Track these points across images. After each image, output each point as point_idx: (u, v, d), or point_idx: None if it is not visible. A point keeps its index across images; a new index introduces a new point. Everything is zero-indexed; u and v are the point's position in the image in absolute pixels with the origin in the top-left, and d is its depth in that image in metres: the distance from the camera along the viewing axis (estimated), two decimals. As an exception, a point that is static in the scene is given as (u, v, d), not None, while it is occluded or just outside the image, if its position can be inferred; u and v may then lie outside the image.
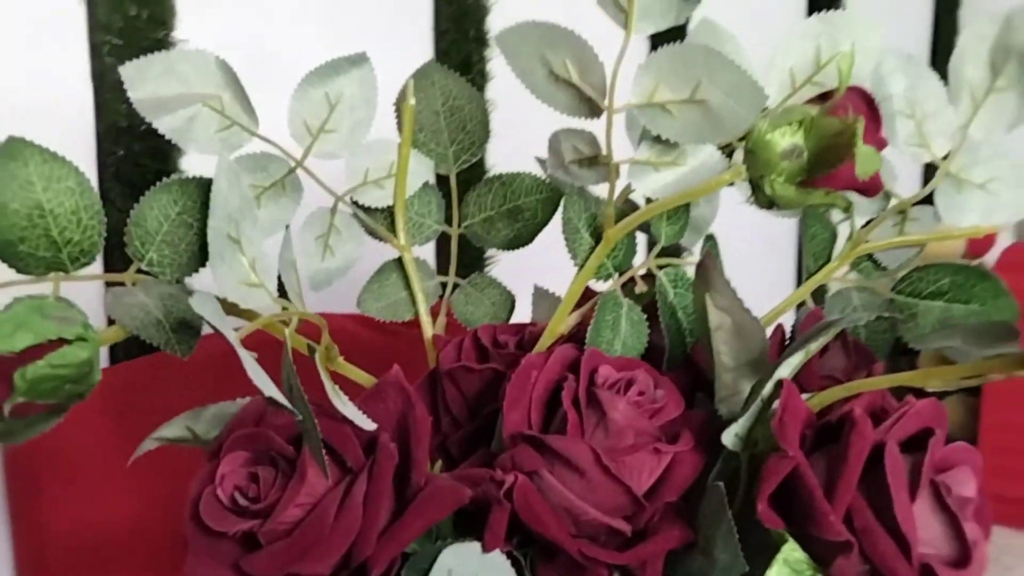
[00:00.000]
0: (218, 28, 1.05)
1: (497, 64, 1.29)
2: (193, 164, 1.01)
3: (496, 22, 1.35)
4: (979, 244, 1.50)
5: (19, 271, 0.48)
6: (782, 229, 1.58)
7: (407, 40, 1.23)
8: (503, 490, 0.50)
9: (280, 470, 0.50)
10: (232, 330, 0.44)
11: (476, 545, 0.52)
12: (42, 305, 0.44)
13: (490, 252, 1.14)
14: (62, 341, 0.43)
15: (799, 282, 1.62)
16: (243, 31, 1.09)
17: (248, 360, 0.43)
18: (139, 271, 0.51)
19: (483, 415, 0.57)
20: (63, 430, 0.48)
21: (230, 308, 0.49)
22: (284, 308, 0.50)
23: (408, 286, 0.63)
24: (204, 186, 0.51)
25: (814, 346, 0.49)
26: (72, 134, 1.05)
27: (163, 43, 1.10)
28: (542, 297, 0.67)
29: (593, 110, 0.53)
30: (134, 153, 1.02)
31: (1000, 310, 0.60)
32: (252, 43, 1.09)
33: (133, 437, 1.06)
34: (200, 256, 0.51)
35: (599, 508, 0.50)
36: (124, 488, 1.04)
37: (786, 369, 0.49)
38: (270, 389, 0.43)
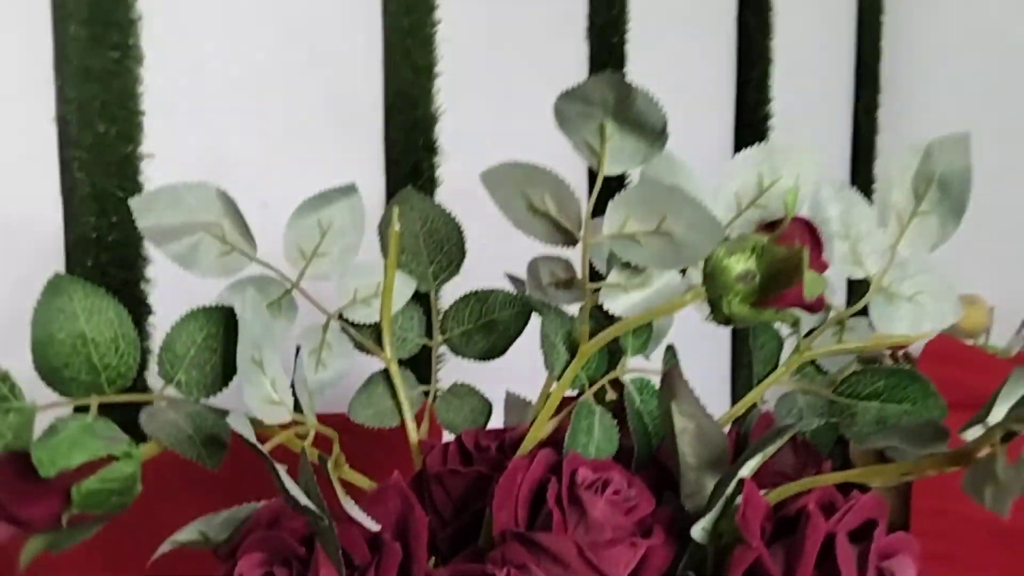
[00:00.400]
0: (182, 143, 1.11)
1: (445, 170, 1.36)
2: (158, 272, 1.06)
3: (445, 130, 1.42)
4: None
5: (62, 394, 0.53)
6: (720, 335, 1.66)
7: (359, 149, 1.29)
8: (497, 582, 0.55)
9: (294, 570, 0.56)
10: (261, 446, 0.50)
11: (472, 634, 0.57)
12: (91, 426, 0.49)
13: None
14: (110, 458, 0.48)
15: (733, 381, 1.70)
16: (205, 145, 1.14)
17: (281, 472, 0.49)
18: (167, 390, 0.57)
19: (470, 514, 0.63)
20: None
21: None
22: (299, 423, 0.56)
23: (394, 395, 0.69)
24: (226, 313, 0.57)
25: (770, 449, 0.56)
26: (43, 244, 1.10)
27: (130, 158, 1.16)
28: (513, 402, 0.73)
29: (569, 240, 0.59)
30: (102, 263, 1.07)
31: (930, 408, 0.66)
32: (213, 155, 1.15)
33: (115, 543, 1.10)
34: (223, 377, 0.57)
35: (582, 597, 0.56)
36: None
37: (746, 470, 0.56)
38: (302, 498, 0.49)
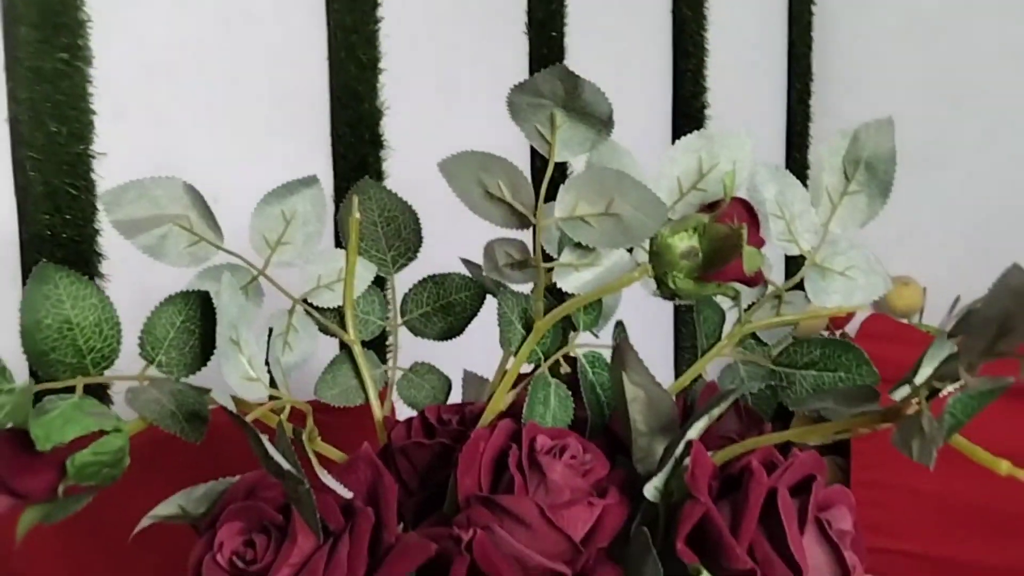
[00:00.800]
0: (132, 141, 1.13)
1: (392, 163, 1.39)
2: (112, 268, 1.09)
3: (390, 125, 1.45)
4: (840, 318, 1.64)
5: (49, 376, 0.56)
6: (663, 319, 1.71)
7: (307, 144, 1.32)
8: (464, 543, 0.59)
9: (272, 536, 0.59)
10: (243, 417, 0.53)
11: (440, 592, 0.61)
12: (80, 403, 0.52)
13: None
14: (101, 432, 0.52)
15: (676, 361, 1.74)
16: (155, 143, 1.17)
17: (262, 439, 0.52)
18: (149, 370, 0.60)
19: (434, 484, 0.67)
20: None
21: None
22: (274, 398, 0.60)
23: (358, 375, 0.72)
24: (202, 298, 0.60)
25: (716, 411, 0.60)
26: (-1, 243, 1.12)
27: (82, 156, 1.18)
28: (471, 380, 0.77)
29: (523, 223, 0.63)
30: (56, 259, 1.09)
31: (863, 376, 0.71)
32: (164, 153, 1.17)
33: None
34: (202, 357, 0.60)
35: (544, 555, 0.60)
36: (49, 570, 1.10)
37: (694, 431, 0.60)
38: (283, 462, 0.52)
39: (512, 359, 0.67)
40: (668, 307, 1.77)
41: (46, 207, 1.16)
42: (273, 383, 0.61)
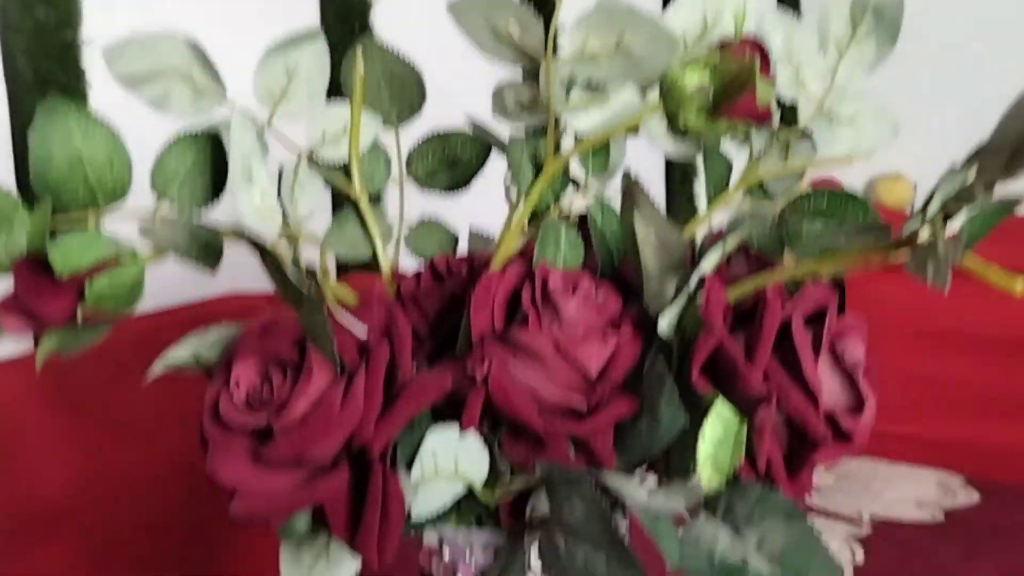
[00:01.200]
0: (120, 27, 1.12)
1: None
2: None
3: (379, 16, 1.44)
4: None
5: (61, 210, 0.56)
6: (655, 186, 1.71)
7: (295, 20, 1.30)
8: (480, 376, 0.59)
9: (288, 373, 0.59)
10: (253, 242, 0.53)
11: (455, 428, 0.61)
12: (96, 234, 0.52)
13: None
14: (116, 261, 0.52)
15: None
16: (143, 29, 1.15)
17: (281, 261, 0.52)
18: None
19: (445, 332, 0.67)
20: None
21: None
22: (288, 234, 0.60)
23: (366, 229, 0.72)
24: (211, 138, 0.60)
25: (730, 243, 0.60)
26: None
27: (71, 44, 1.17)
28: (477, 238, 0.77)
29: (533, 62, 0.63)
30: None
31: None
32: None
33: (61, 416, 1.13)
34: (212, 191, 0.60)
35: (559, 389, 0.60)
36: (56, 466, 1.11)
37: (707, 265, 0.60)
38: (300, 285, 0.52)
39: (522, 205, 0.67)
40: (659, 175, 1.78)
41: (36, 94, 1.15)
42: (286, 220, 0.61)
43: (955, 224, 0.56)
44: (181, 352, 0.63)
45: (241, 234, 0.52)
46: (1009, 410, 1.64)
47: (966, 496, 1.51)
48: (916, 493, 1.51)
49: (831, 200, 0.71)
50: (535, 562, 0.64)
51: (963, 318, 1.66)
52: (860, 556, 1.35)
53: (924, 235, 0.57)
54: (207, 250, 0.57)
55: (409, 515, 0.61)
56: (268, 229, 0.58)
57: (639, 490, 0.59)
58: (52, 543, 1.09)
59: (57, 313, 0.51)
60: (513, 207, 0.70)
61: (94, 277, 0.50)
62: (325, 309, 0.55)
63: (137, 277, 0.53)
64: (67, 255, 0.50)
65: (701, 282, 0.60)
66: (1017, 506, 1.47)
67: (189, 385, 1.21)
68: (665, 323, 0.60)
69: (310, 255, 0.68)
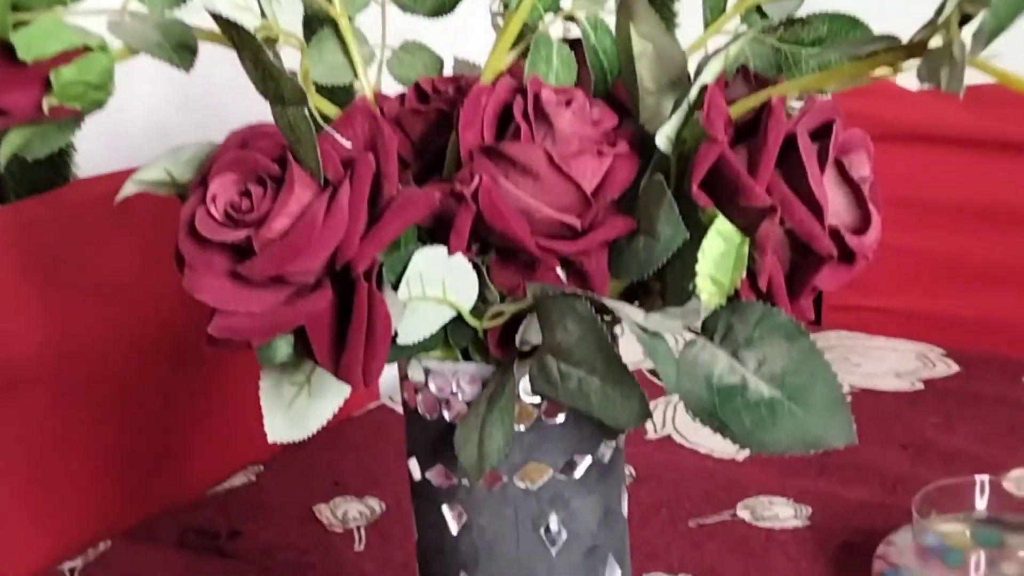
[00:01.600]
0: None
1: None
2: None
3: None
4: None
5: (24, 9, 0.52)
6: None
7: None
8: (470, 191, 0.56)
9: (268, 187, 0.56)
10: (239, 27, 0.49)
11: (443, 249, 0.58)
12: (62, 22, 0.48)
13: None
14: (86, 49, 0.48)
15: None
16: None
17: (262, 47, 0.49)
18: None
19: (431, 154, 0.64)
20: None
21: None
22: (267, 35, 0.56)
23: (346, 51, 0.68)
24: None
25: (733, 50, 0.57)
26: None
27: None
28: (462, 65, 0.74)
29: None
30: None
31: (871, 51, 0.68)
32: None
33: (32, 277, 1.10)
34: (186, -10, 0.56)
35: (552, 207, 0.57)
36: (27, 326, 1.08)
37: (708, 75, 0.57)
38: (280, 79, 0.49)
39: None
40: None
41: None
42: (263, 15, 0.57)
43: (970, 27, 0.53)
44: (152, 171, 0.60)
45: (216, 18, 0.49)
46: (989, 283, 1.63)
47: (945, 367, 1.51)
48: (895, 365, 1.51)
49: (831, 25, 0.69)
50: (523, 393, 0.62)
51: (944, 190, 1.64)
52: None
53: (937, 41, 0.54)
54: (180, 48, 0.53)
55: (395, 340, 0.59)
56: (245, 23, 0.54)
57: (635, 311, 0.57)
58: (22, 399, 1.06)
59: (22, 104, 0.47)
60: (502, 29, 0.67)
61: (61, 67, 0.47)
62: (308, 111, 0.51)
63: (106, 68, 0.49)
64: (32, 41, 0.46)
65: (701, 94, 0.57)
66: (995, 376, 1.47)
67: (160, 246, 1.18)
68: (664, 136, 0.57)
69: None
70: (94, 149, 1.19)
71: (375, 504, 1.19)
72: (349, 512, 1.17)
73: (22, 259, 1.09)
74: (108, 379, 1.13)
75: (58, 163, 1.17)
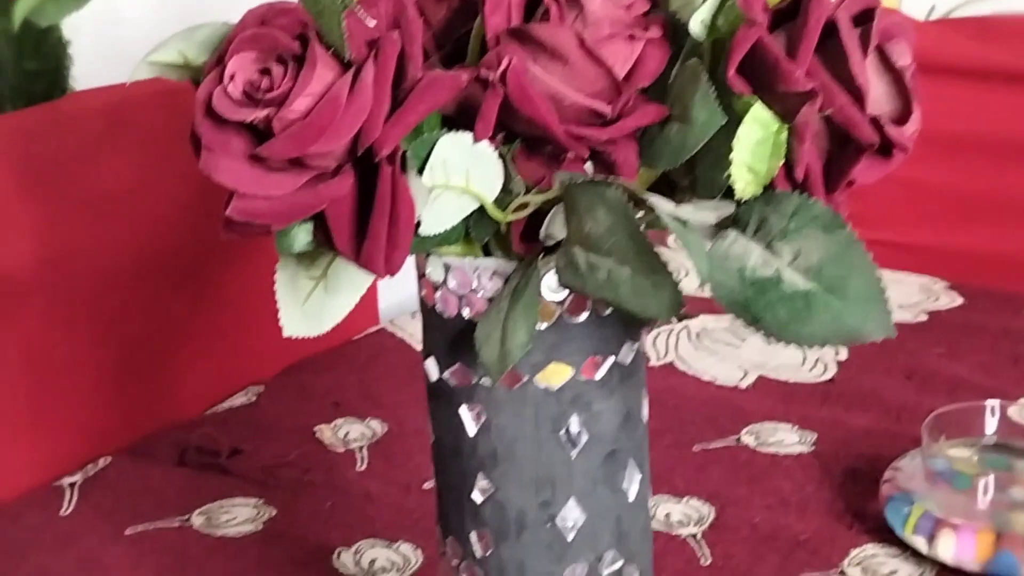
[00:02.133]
0: None
1: None
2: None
3: None
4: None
5: None
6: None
7: None
8: (497, 75, 0.54)
9: (289, 65, 0.54)
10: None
11: (468, 136, 0.57)
12: None
13: None
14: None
15: None
16: None
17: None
18: None
19: (453, 44, 0.62)
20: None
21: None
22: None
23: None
24: None
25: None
26: None
27: None
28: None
29: None
30: None
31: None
32: None
33: (31, 184, 1.08)
34: None
35: (582, 92, 0.56)
36: (24, 239, 1.06)
37: (746, -44, 0.55)
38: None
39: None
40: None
41: None
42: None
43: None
44: (166, 52, 0.58)
45: None
46: (995, 216, 1.62)
47: (948, 299, 1.49)
48: (899, 297, 1.49)
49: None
50: (546, 289, 0.60)
51: (949, 121, 1.62)
52: (843, 352, 1.33)
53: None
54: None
55: (417, 228, 0.57)
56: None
57: (667, 201, 0.55)
58: (19, 312, 1.05)
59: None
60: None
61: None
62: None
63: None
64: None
65: (738, -25, 0.55)
66: (1000, 309, 1.46)
67: (160, 160, 1.16)
68: (698, 21, 0.55)
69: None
70: (91, 66, 1.17)
71: (377, 426, 1.17)
72: (351, 433, 1.16)
73: (18, 169, 1.06)
74: (107, 293, 1.11)
75: (56, 76, 1.14)
